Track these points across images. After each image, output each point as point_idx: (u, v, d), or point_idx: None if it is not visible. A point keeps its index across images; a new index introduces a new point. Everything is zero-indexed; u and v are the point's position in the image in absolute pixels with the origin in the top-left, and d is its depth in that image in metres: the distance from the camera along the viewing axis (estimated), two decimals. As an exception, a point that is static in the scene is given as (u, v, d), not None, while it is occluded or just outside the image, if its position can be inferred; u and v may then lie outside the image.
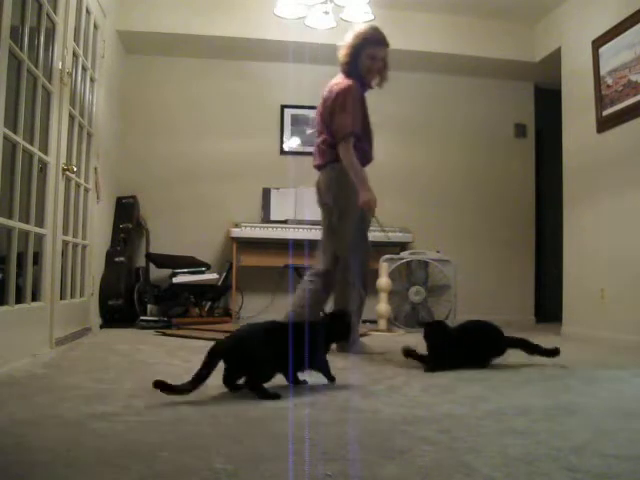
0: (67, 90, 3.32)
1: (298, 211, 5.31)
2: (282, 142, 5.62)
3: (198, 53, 5.42)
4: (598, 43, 4.35)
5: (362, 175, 3.13)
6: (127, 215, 5.06)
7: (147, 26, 4.95)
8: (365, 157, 3.26)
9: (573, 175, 4.75)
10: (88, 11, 3.82)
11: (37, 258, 3.00)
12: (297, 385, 2.20)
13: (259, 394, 1.96)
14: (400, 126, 5.65)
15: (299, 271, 4.96)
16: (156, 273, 5.09)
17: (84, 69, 3.82)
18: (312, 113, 5.68)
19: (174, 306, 4.91)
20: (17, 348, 2.62)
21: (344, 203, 3.19)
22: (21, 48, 2.66)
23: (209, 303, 5.08)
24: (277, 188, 5.40)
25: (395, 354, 3.29)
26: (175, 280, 4.88)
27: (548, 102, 5.61)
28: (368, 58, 3.21)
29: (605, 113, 4.27)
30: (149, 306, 4.73)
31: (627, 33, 4.01)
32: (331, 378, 2.24)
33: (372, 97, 5.59)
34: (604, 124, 4.29)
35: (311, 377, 2.24)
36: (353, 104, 3.16)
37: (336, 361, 2.88)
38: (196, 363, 2.74)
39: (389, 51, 3.30)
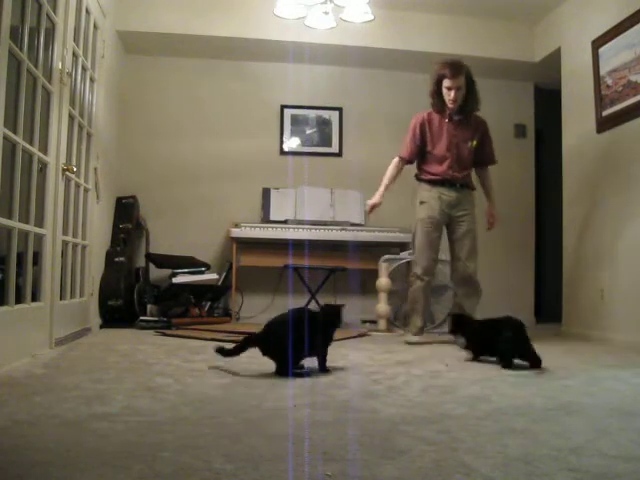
0: (67, 90, 3.32)
1: (298, 211, 5.31)
2: (282, 142, 5.62)
3: (198, 53, 5.41)
4: (598, 43, 4.35)
5: (383, 184, 3.96)
6: (127, 215, 5.06)
7: (147, 26, 4.95)
8: (435, 174, 3.88)
9: (573, 175, 4.76)
10: (88, 11, 3.82)
11: (37, 258, 2.99)
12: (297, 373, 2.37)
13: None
14: (400, 126, 5.61)
15: (299, 271, 4.96)
16: (156, 273, 5.09)
17: (84, 69, 3.82)
18: (312, 113, 5.72)
19: (174, 306, 4.90)
20: (17, 348, 2.62)
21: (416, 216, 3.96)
22: (21, 48, 2.66)
23: (209, 303, 5.08)
24: (277, 188, 5.40)
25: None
26: (175, 280, 4.88)
27: (548, 102, 5.61)
28: (445, 89, 3.78)
29: (605, 113, 4.28)
30: (149, 306, 4.72)
31: (627, 33, 4.01)
32: (325, 369, 2.50)
33: (371, 98, 5.63)
34: (604, 124, 4.29)
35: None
36: (409, 134, 3.95)
37: (336, 361, 2.88)
38: (196, 363, 2.75)
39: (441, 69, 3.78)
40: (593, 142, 4.43)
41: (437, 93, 3.82)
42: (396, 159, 3.99)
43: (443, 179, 3.86)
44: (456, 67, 3.74)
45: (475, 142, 3.92)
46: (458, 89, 3.75)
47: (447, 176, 3.86)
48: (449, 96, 3.76)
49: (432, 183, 3.89)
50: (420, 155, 3.96)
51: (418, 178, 3.99)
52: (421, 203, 3.91)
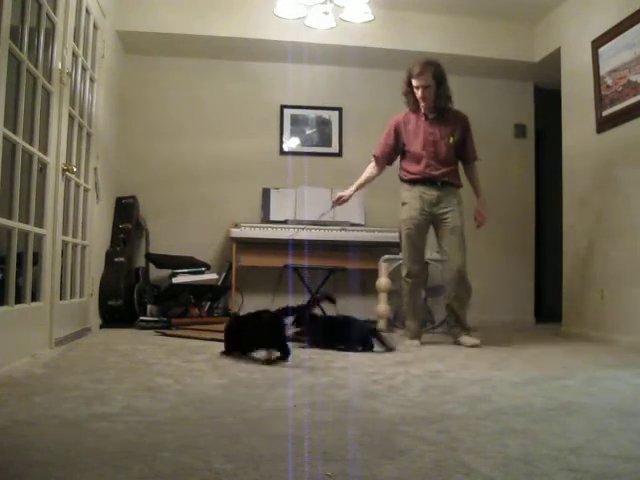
0: (67, 90, 3.32)
1: (298, 211, 5.31)
2: (282, 142, 5.62)
3: (198, 53, 5.41)
4: (598, 43, 4.35)
5: (357, 182, 4.08)
6: (127, 215, 5.06)
7: (146, 26, 4.94)
8: (414, 174, 3.88)
9: (573, 175, 4.76)
10: (88, 11, 3.82)
11: (37, 258, 2.99)
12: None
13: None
14: (400, 126, 5.65)
15: (299, 271, 4.96)
16: (156, 273, 5.09)
17: (84, 69, 3.82)
18: (312, 113, 5.72)
19: (174, 306, 4.90)
20: (17, 348, 2.62)
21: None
22: (21, 48, 2.66)
23: (209, 303, 5.07)
24: (277, 188, 5.40)
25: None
26: (175, 280, 4.88)
27: (548, 102, 5.61)
28: (415, 89, 3.81)
29: (605, 113, 4.27)
30: (149, 306, 4.72)
31: (627, 33, 4.01)
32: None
33: (371, 98, 5.63)
34: (604, 124, 4.29)
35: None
36: (383, 134, 4.02)
37: (336, 361, 2.88)
38: (196, 363, 2.75)
39: (421, 71, 3.78)
40: (593, 142, 4.43)
41: (409, 92, 3.85)
42: (373, 162, 4.05)
43: (423, 178, 3.85)
44: (423, 66, 3.76)
45: (454, 138, 3.85)
46: (425, 87, 3.75)
47: (426, 175, 3.84)
48: (418, 95, 3.79)
49: (412, 182, 3.88)
50: (399, 155, 3.99)
51: (400, 179, 3.99)
52: (403, 204, 3.92)
